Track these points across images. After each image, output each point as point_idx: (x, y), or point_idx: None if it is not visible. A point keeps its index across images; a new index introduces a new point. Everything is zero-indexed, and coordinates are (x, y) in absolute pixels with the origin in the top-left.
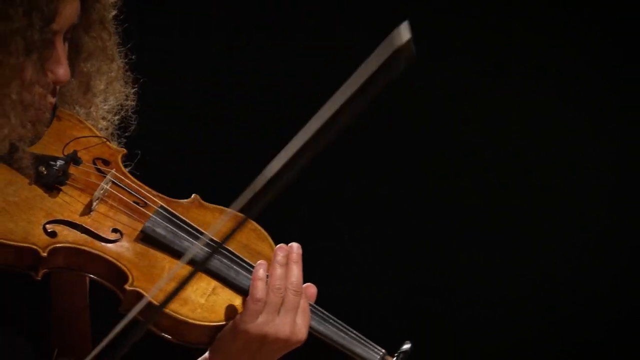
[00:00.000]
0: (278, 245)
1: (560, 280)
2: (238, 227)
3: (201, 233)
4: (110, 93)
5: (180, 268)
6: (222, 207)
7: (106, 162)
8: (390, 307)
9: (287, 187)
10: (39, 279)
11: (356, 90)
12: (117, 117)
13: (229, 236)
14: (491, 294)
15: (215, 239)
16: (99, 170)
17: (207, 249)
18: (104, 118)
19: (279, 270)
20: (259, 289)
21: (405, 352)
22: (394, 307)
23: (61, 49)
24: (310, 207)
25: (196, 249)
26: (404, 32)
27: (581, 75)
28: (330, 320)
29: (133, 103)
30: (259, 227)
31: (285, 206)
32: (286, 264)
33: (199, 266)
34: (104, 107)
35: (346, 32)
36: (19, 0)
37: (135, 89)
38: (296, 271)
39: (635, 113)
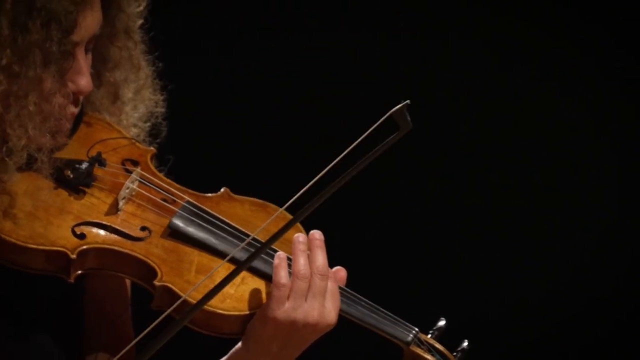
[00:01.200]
0: (296, 234)
1: (563, 280)
2: (285, 228)
3: (229, 225)
4: (140, 101)
5: (215, 265)
6: (251, 199)
7: (135, 163)
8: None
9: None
10: (72, 281)
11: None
12: (147, 124)
13: (274, 237)
14: (493, 294)
15: (244, 230)
16: (125, 170)
17: (238, 243)
18: (134, 125)
19: (301, 258)
20: (281, 275)
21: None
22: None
23: (83, 60)
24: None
25: (227, 244)
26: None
27: (584, 76)
28: (362, 302)
29: (163, 110)
30: (289, 216)
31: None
32: (308, 250)
33: (240, 265)
34: (135, 115)
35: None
36: (36, 12)
37: (164, 95)
38: (320, 256)
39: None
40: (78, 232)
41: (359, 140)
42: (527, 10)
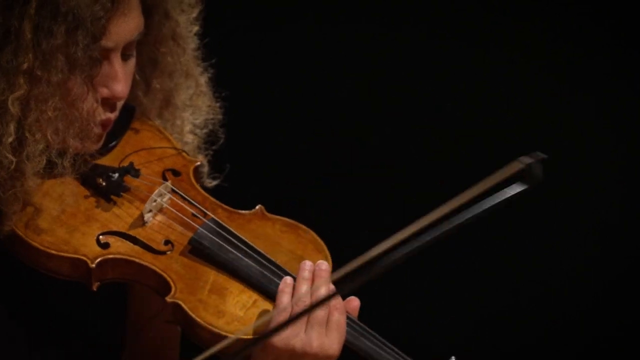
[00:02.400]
0: (303, 261)
1: (566, 280)
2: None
3: (250, 248)
4: (195, 108)
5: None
6: (284, 219)
7: (177, 173)
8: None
9: (386, 269)
10: (94, 289)
11: (470, 201)
12: (204, 131)
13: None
14: (495, 294)
15: (266, 254)
16: (162, 182)
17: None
18: (191, 132)
19: (304, 286)
20: (282, 300)
21: None
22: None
23: (118, 66)
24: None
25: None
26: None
27: (589, 73)
28: (369, 336)
29: (219, 117)
30: (319, 240)
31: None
32: (311, 279)
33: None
34: (190, 121)
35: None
36: (62, 17)
37: (221, 102)
38: (322, 287)
39: None
40: (102, 241)
41: (474, 191)
42: (533, 6)
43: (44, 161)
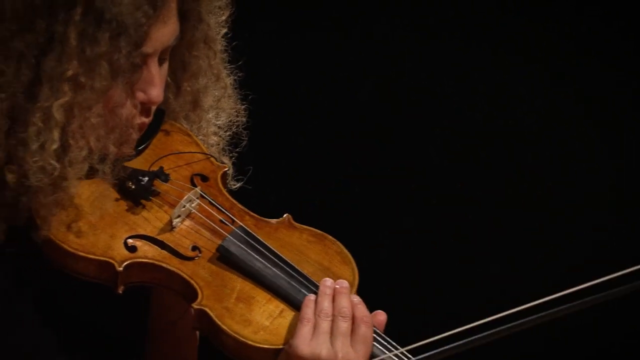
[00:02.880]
0: (324, 279)
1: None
2: None
3: (278, 257)
4: (220, 110)
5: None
6: (311, 229)
7: (205, 178)
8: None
9: None
10: (120, 293)
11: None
12: (228, 133)
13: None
14: (497, 295)
15: (293, 263)
16: (190, 187)
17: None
18: (215, 134)
19: (325, 302)
20: (306, 312)
21: None
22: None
23: (155, 71)
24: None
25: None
26: None
27: (589, 75)
28: (394, 350)
29: (244, 119)
30: (345, 251)
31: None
32: (332, 295)
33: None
34: (215, 123)
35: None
36: (106, 24)
37: (246, 105)
38: (344, 300)
39: None
40: (130, 245)
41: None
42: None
43: (86, 167)
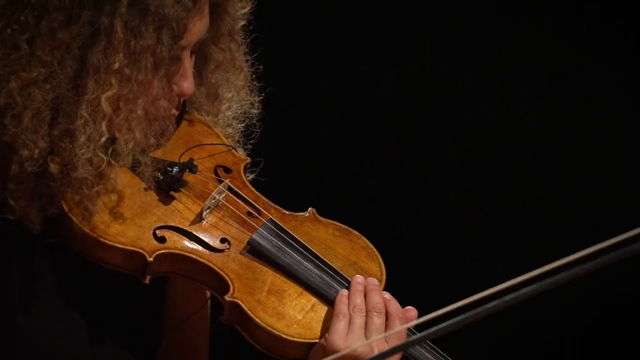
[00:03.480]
0: (355, 276)
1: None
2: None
3: (308, 250)
4: (237, 101)
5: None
6: (336, 223)
7: (228, 170)
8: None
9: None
10: (147, 282)
11: None
12: (242, 125)
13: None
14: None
15: (323, 257)
16: (216, 178)
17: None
18: (229, 125)
19: (358, 298)
20: (341, 307)
21: None
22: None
23: (188, 63)
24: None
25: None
26: None
27: (593, 76)
28: (427, 347)
29: (258, 111)
30: (371, 246)
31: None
32: (363, 292)
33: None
34: (230, 115)
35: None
36: (150, 17)
37: (261, 97)
38: (376, 296)
39: None
40: (159, 235)
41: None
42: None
43: (131, 159)
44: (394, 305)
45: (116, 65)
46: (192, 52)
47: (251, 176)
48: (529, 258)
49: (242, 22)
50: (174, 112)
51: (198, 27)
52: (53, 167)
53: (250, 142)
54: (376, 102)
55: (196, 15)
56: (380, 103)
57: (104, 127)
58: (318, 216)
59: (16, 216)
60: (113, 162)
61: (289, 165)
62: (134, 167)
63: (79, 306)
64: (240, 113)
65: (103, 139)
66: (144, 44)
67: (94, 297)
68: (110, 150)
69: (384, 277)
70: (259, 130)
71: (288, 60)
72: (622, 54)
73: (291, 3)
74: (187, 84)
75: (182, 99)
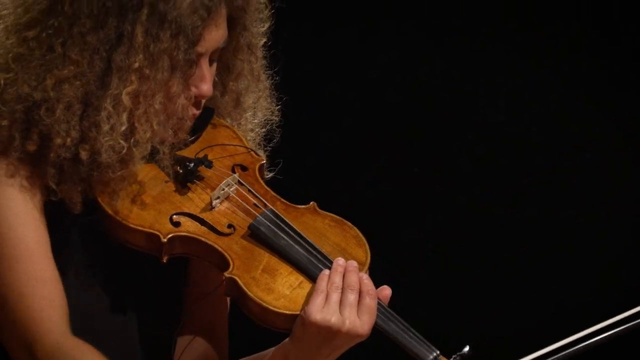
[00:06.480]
0: (337, 258)
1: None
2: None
3: (301, 237)
4: (258, 109)
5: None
6: (332, 215)
7: (244, 168)
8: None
9: None
10: (164, 262)
11: None
12: (263, 130)
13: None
14: (505, 296)
15: (314, 243)
16: (230, 174)
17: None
18: (251, 130)
19: (337, 277)
20: (320, 284)
21: (463, 355)
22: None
23: (206, 68)
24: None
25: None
26: None
27: (603, 81)
28: (395, 321)
29: (277, 118)
30: (361, 235)
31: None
32: (342, 272)
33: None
34: (253, 121)
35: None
36: (168, 24)
37: (279, 106)
38: (353, 275)
39: None
40: (175, 220)
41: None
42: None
43: (149, 148)
44: (366, 283)
45: (136, 65)
46: (212, 60)
47: (270, 174)
48: (540, 263)
49: (262, 39)
50: (194, 111)
51: (214, 36)
52: (83, 154)
53: (270, 145)
54: (386, 107)
55: (211, 24)
56: (390, 109)
57: (124, 118)
58: (317, 209)
59: (57, 198)
60: (133, 149)
61: (302, 168)
62: (154, 156)
63: (107, 280)
64: (262, 119)
65: (123, 128)
66: (161, 47)
67: (120, 274)
68: (132, 140)
69: (368, 261)
70: (278, 136)
71: (301, 67)
72: (632, 59)
73: (303, 9)
74: (206, 87)
75: (202, 101)
